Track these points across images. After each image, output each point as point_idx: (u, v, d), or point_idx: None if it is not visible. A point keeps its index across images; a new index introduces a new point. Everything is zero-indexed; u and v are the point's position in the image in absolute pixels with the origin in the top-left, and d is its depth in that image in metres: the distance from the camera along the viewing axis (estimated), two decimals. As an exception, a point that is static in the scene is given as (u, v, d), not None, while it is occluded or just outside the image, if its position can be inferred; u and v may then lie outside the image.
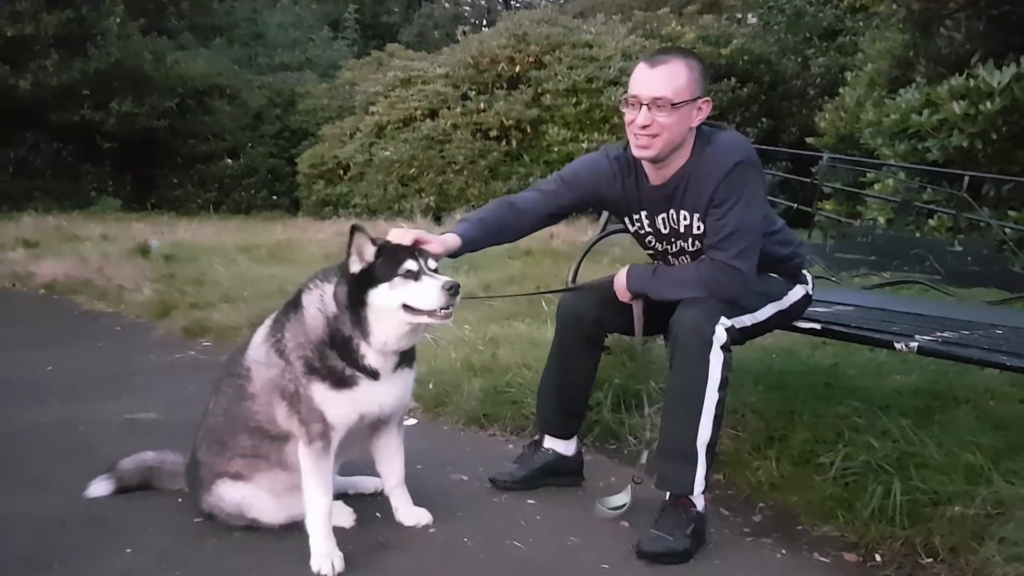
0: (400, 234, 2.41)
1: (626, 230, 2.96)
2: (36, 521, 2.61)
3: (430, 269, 2.36)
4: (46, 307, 7.08)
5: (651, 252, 2.87)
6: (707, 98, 2.56)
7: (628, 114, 2.57)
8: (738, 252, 2.51)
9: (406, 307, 2.32)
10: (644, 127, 2.52)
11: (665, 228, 2.71)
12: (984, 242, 4.45)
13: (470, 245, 2.64)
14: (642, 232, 2.80)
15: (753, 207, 2.53)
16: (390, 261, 2.33)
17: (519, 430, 3.57)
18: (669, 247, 2.76)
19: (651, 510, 2.56)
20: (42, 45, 16.82)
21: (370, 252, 2.35)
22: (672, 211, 2.66)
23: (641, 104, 2.52)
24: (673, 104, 2.48)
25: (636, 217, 2.78)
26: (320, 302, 2.42)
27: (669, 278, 2.66)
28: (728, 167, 2.50)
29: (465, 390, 3.80)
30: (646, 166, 2.67)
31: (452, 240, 2.58)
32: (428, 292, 2.30)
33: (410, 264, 2.33)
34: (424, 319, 2.33)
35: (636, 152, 2.59)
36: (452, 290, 2.29)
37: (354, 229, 2.34)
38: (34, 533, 2.53)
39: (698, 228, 2.62)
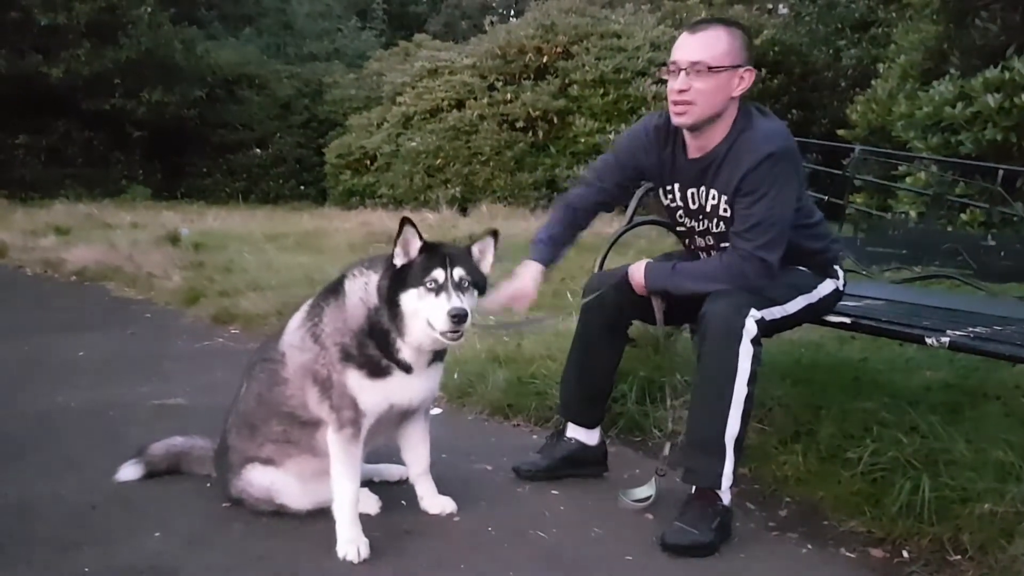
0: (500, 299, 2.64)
1: (653, 222, 2.95)
2: (66, 503, 2.66)
3: (457, 281, 2.32)
4: (77, 293, 7.18)
5: (681, 229, 2.85)
6: (750, 67, 2.53)
7: (669, 81, 2.57)
8: (763, 243, 2.50)
9: (426, 319, 2.32)
10: (681, 91, 2.51)
11: (694, 204, 2.70)
12: (1018, 237, 4.38)
13: (552, 264, 2.83)
14: (674, 206, 2.79)
15: (782, 199, 2.50)
16: (423, 266, 2.32)
17: (543, 420, 3.57)
18: (697, 224, 2.74)
19: (676, 502, 2.55)
20: (74, 34, 17.01)
21: (415, 248, 2.34)
22: (703, 188, 2.65)
23: (680, 69, 2.51)
24: (711, 68, 2.47)
25: (669, 188, 2.77)
26: (364, 291, 2.43)
27: (690, 273, 2.63)
28: (759, 158, 2.47)
29: (490, 380, 3.81)
30: (686, 136, 2.66)
31: (538, 274, 2.75)
32: (437, 311, 2.28)
33: (437, 274, 2.31)
34: (435, 335, 2.31)
35: (673, 119, 2.60)
36: (456, 318, 2.26)
37: (404, 221, 2.33)
38: (65, 515, 2.57)
39: (725, 210, 2.61)
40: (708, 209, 2.66)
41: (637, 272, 2.73)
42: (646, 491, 2.70)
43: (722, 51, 2.49)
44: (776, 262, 2.53)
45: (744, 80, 2.53)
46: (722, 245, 2.68)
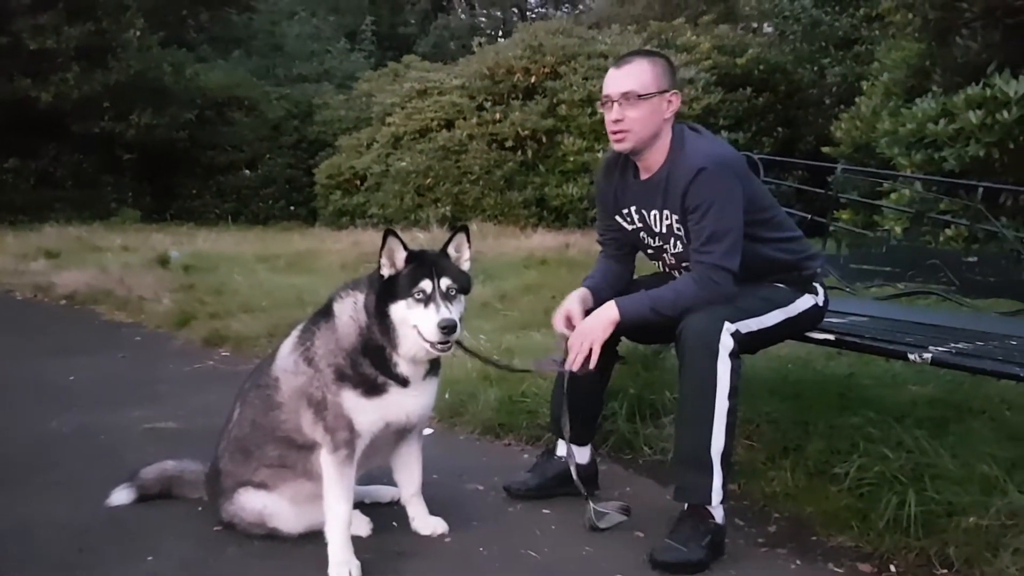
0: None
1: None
2: (60, 527, 2.66)
3: (444, 291, 2.37)
4: (67, 317, 7.16)
5: (650, 251, 2.90)
6: (675, 91, 2.70)
7: (605, 115, 2.73)
8: (723, 251, 2.57)
9: (416, 328, 2.36)
10: (616, 121, 2.67)
11: (656, 226, 2.78)
12: (1000, 252, 4.42)
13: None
14: (633, 228, 2.86)
15: (728, 208, 2.58)
16: (410, 277, 2.36)
17: (534, 439, 3.59)
18: (663, 243, 2.81)
19: (669, 519, 2.57)
20: (64, 58, 16.98)
21: (401, 258, 2.39)
22: (656, 211, 2.75)
23: (613, 101, 2.67)
24: (640, 96, 2.63)
25: (626, 212, 2.85)
26: (353, 310, 2.46)
27: (663, 297, 2.63)
28: (691, 174, 2.58)
29: (481, 400, 3.83)
30: (637, 160, 2.77)
31: (584, 293, 2.85)
32: (427, 322, 2.33)
33: (425, 285, 2.35)
34: (426, 346, 2.36)
35: (614, 146, 2.75)
36: (445, 329, 2.31)
37: (387, 233, 2.38)
38: (58, 539, 2.58)
39: (678, 229, 2.70)
40: (664, 230, 2.75)
41: (605, 315, 2.68)
42: (611, 520, 2.70)
43: (648, 79, 2.66)
44: (737, 268, 2.60)
45: (672, 103, 2.70)
46: (683, 265, 2.76)
